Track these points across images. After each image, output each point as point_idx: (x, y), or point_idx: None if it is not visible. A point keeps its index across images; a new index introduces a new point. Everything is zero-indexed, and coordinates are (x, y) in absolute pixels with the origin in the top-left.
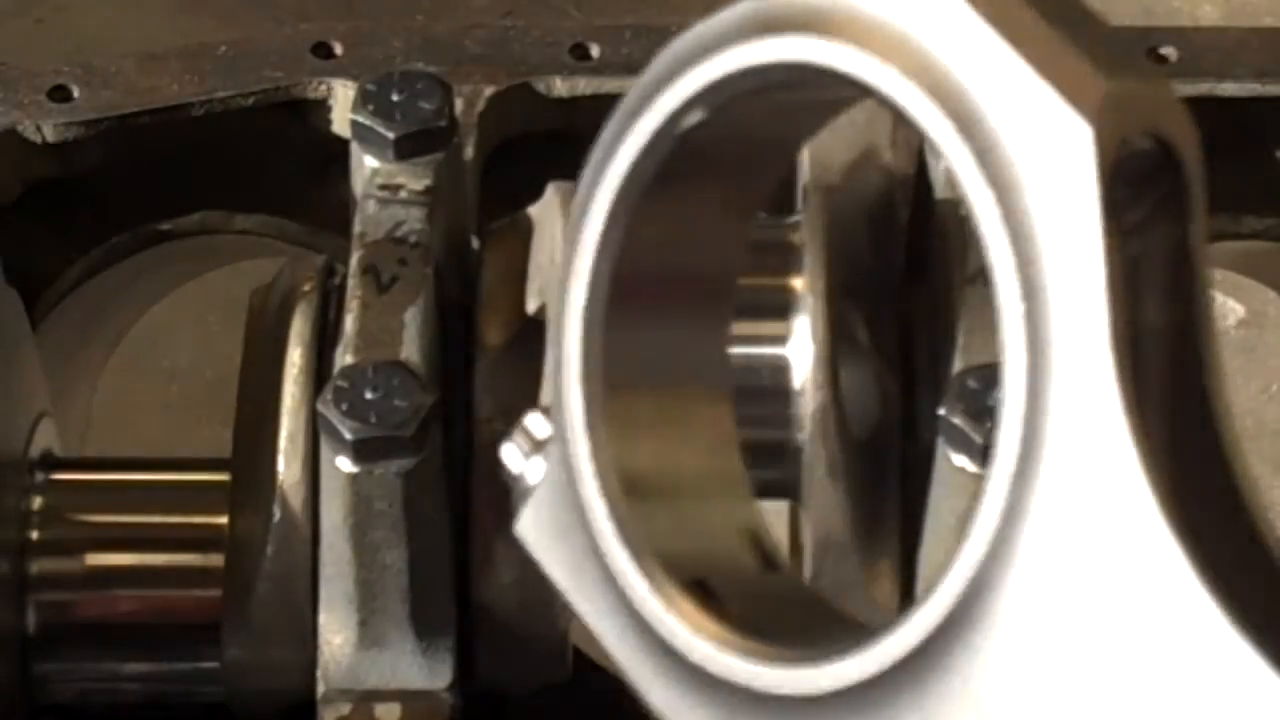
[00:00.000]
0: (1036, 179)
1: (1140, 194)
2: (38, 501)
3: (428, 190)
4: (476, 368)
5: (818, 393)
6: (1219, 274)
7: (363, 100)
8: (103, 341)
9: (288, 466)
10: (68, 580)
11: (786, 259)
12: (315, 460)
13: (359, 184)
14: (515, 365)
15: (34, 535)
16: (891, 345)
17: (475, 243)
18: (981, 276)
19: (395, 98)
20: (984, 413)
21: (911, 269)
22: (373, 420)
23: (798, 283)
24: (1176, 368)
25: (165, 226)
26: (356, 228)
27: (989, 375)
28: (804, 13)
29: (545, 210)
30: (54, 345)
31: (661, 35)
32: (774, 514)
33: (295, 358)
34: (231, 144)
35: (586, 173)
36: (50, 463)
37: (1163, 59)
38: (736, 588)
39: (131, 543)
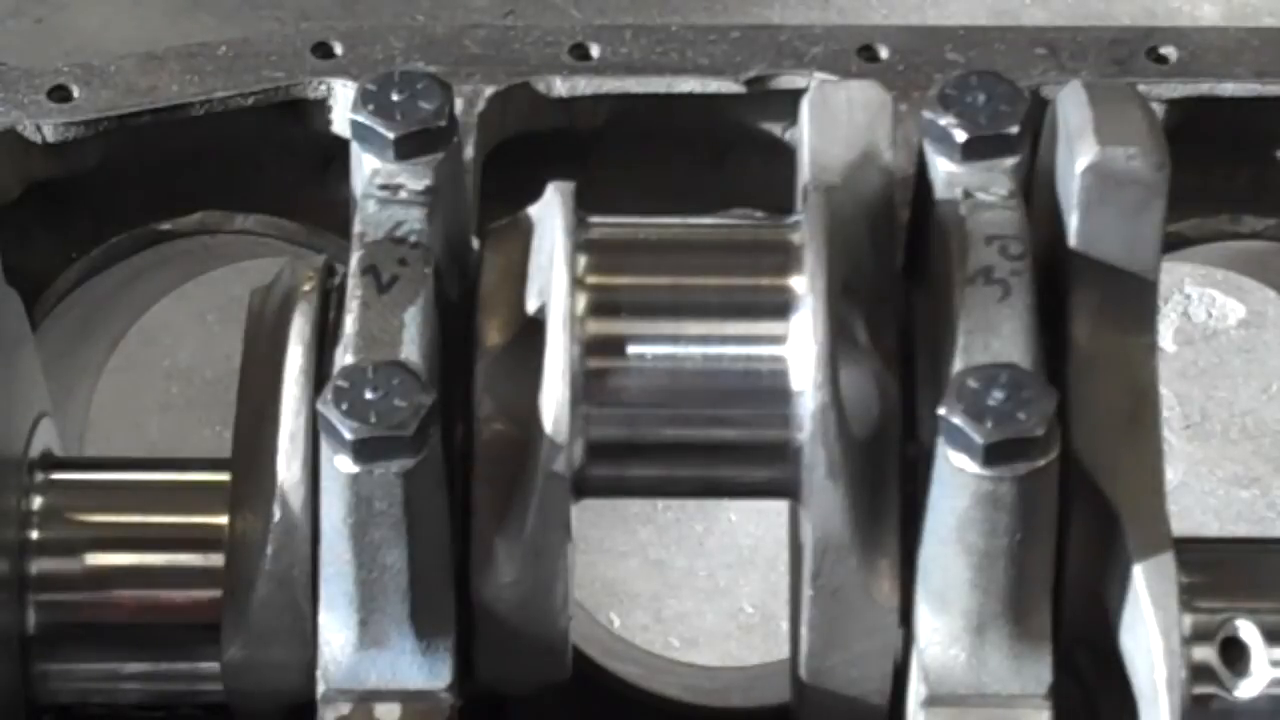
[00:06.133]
0: None
1: None
2: (38, 501)
3: (428, 190)
4: (476, 368)
5: (818, 393)
6: (1219, 274)
7: (363, 100)
8: (103, 341)
9: (288, 466)
10: (68, 580)
11: (786, 259)
12: (315, 460)
13: (359, 184)
14: (515, 365)
15: (34, 535)
16: (891, 345)
17: (475, 243)
18: (981, 276)
19: (395, 98)
20: (984, 413)
21: (911, 269)
22: (373, 420)
23: (798, 283)
24: None
25: (165, 226)
26: (356, 228)
27: (989, 375)
28: None
29: (545, 210)
30: (54, 345)
31: (662, 35)
32: (774, 514)
33: (295, 358)
34: (231, 144)
35: None
36: (50, 463)
37: (1163, 59)
38: None
39: (131, 543)
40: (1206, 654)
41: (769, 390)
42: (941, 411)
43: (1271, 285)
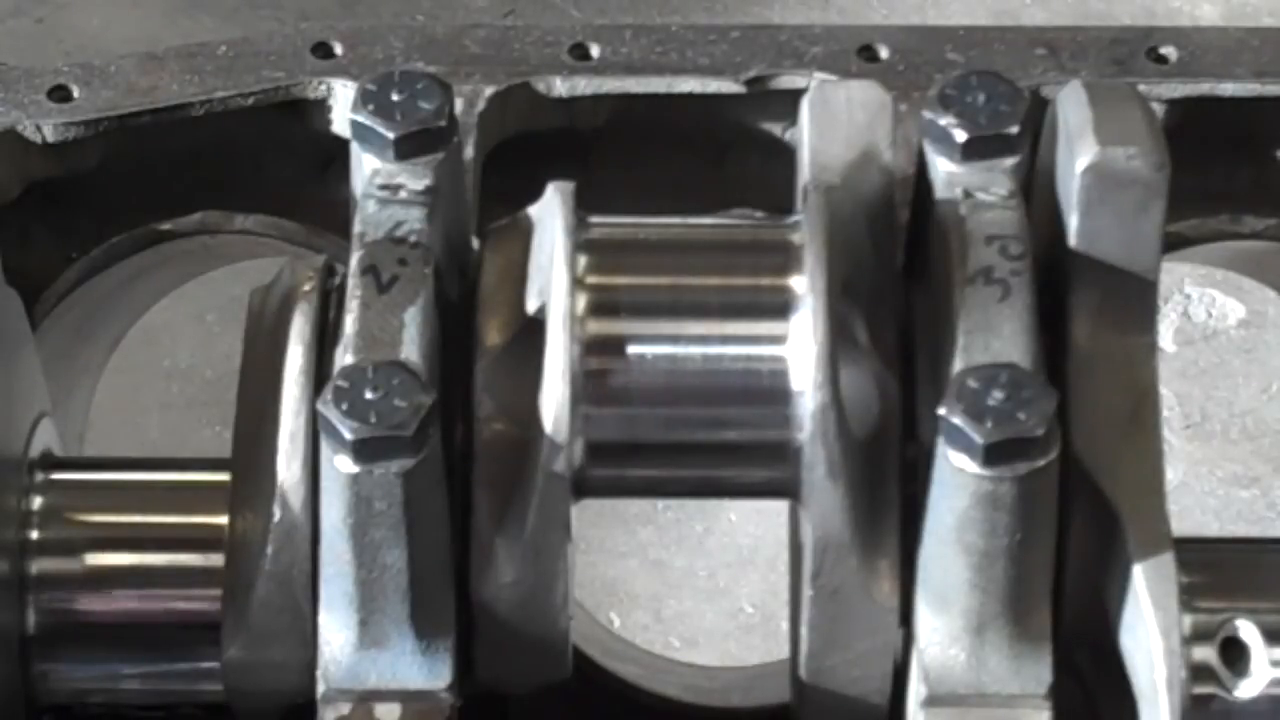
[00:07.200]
0: None
1: None
2: (38, 501)
3: (428, 190)
4: (476, 368)
5: (818, 393)
6: (1219, 274)
7: (363, 100)
8: (103, 341)
9: (288, 466)
10: (68, 580)
11: (786, 259)
12: (315, 460)
13: (359, 184)
14: (515, 365)
15: (34, 535)
16: (891, 345)
17: (475, 243)
18: (981, 276)
19: (395, 98)
20: (984, 413)
21: (911, 269)
22: (373, 420)
23: (798, 283)
24: None
25: (165, 226)
26: (356, 228)
27: (989, 375)
28: None
29: (545, 210)
30: (54, 345)
31: (662, 35)
32: (774, 514)
33: (295, 358)
34: (231, 144)
35: None
36: (50, 463)
37: (1163, 59)
38: None
39: (131, 543)
40: (1206, 654)
41: (769, 390)
42: (941, 411)
43: (1271, 285)
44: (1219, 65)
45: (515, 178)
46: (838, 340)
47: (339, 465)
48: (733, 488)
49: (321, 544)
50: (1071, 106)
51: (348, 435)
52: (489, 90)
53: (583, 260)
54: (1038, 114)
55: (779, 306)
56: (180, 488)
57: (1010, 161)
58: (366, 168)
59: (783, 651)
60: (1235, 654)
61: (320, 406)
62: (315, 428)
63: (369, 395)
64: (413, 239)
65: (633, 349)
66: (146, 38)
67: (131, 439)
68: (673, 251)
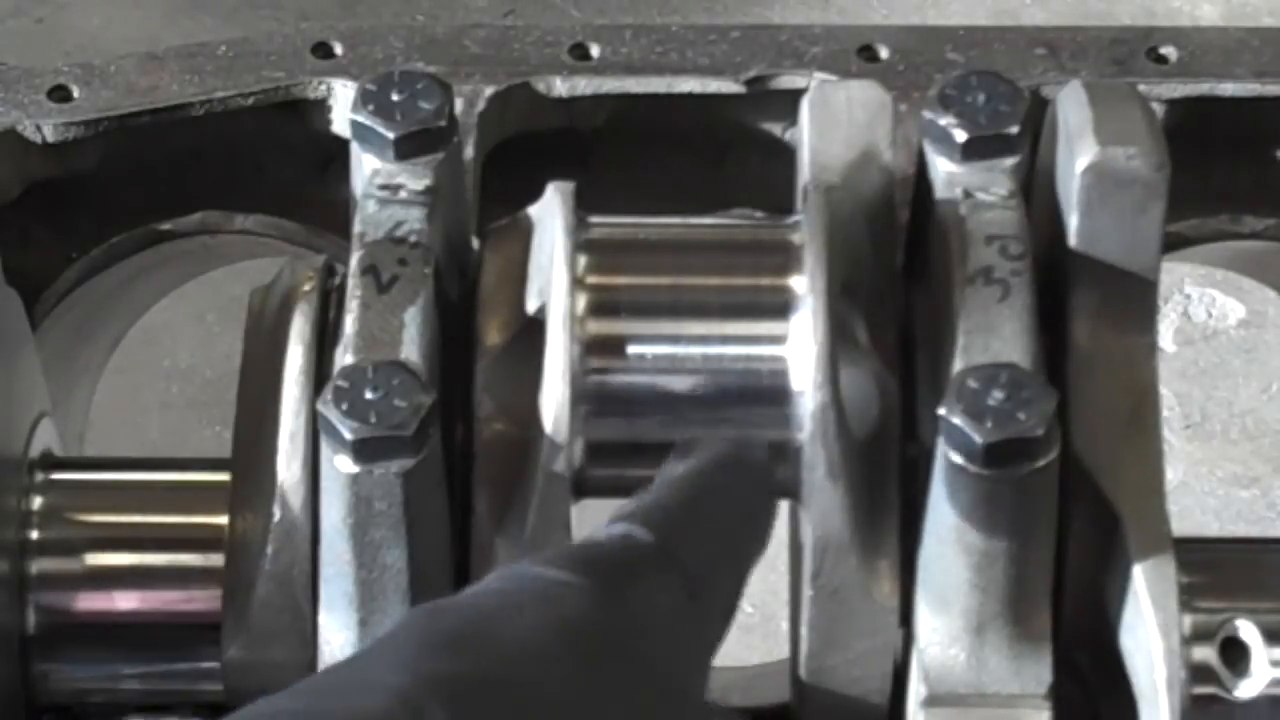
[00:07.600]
0: None
1: None
2: (38, 501)
3: (428, 190)
4: (476, 368)
5: (818, 393)
6: (1219, 274)
7: (363, 100)
8: (103, 341)
9: (288, 466)
10: (68, 580)
11: (786, 259)
12: (315, 460)
13: (359, 184)
14: (515, 365)
15: (34, 535)
16: (891, 345)
17: (475, 243)
18: (981, 276)
19: (395, 98)
20: (984, 413)
21: (911, 269)
22: (373, 420)
23: (798, 283)
24: None
25: (165, 226)
26: (356, 228)
27: (989, 375)
28: None
29: (545, 210)
30: (54, 345)
31: (662, 35)
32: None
33: (295, 358)
34: (231, 144)
35: None
36: (50, 463)
37: (1163, 59)
38: None
39: (131, 543)
40: (1206, 654)
41: (769, 390)
42: (941, 411)
43: (1271, 285)
44: (1219, 65)
45: (515, 178)
46: (838, 340)
47: (339, 465)
48: None
49: (321, 544)
50: (1071, 106)
51: (348, 435)
52: (489, 90)
53: (583, 260)
54: (1038, 114)
55: (779, 306)
56: (180, 488)
57: (1010, 161)
58: (366, 168)
59: (783, 651)
60: (1235, 654)
61: (320, 406)
62: (315, 428)
63: (369, 395)
64: (413, 239)
65: (633, 349)
66: (146, 38)
67: (131, 439)
68: (673, 251)
